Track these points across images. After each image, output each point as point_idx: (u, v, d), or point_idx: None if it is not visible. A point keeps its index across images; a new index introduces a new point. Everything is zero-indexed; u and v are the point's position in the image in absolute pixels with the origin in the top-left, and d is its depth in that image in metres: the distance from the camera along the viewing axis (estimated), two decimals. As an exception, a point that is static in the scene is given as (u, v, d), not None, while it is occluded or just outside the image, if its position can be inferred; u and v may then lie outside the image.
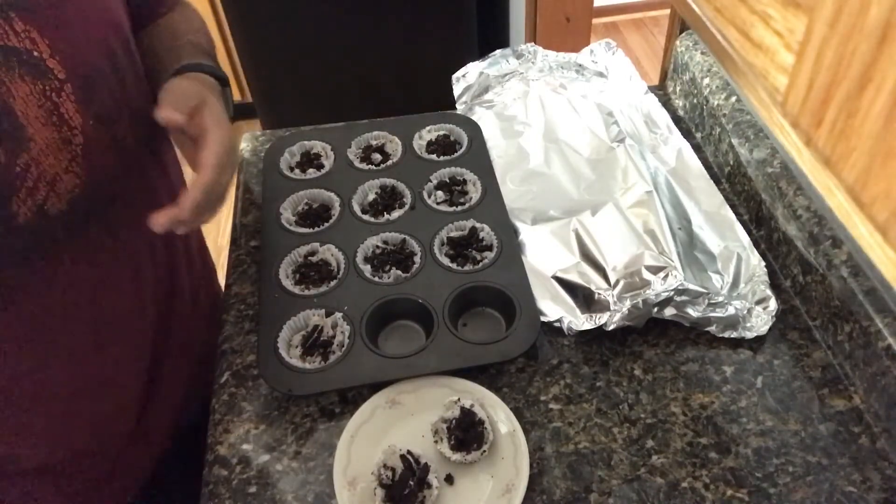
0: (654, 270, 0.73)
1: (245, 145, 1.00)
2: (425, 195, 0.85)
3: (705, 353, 0.72)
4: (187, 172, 0.67)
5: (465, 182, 0.88)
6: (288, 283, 0.75)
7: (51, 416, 0.64)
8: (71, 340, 0.62)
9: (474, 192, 0.86)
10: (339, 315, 0.72)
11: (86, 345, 0.63)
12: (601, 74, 1.03)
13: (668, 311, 0.72)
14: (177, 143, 0.65)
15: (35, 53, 0.51)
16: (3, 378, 0.58)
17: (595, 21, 2.68)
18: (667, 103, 1.03)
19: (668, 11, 1.28)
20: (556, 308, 0.74)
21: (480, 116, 0.98)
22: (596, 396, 0.69)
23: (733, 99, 0.91)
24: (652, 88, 1.02)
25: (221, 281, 0.87)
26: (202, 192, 0.58)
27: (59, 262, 0.57)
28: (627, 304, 0.71)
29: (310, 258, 0.79)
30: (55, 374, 0.61)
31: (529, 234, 0.81)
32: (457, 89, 1.02)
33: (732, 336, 0.72)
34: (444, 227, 0.81)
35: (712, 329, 0.73)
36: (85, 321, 0.62)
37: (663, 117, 0.96)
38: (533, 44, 1.06)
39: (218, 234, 2.22)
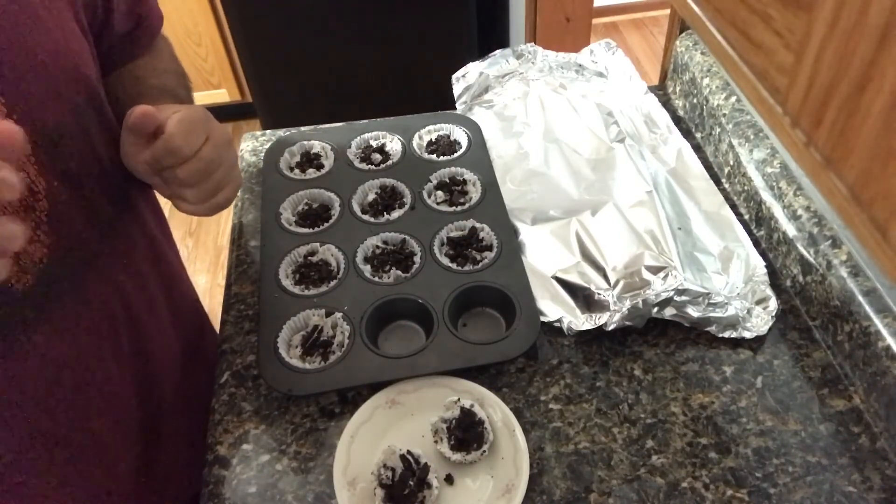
0: (654, 270, 0.73)
1: (245, 145, 1.00)
2: (425, 195, 0.85)
3: (705, 353, 0.72)
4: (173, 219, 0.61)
5: (464, 182, 0.88)
6: (288, 283, 0.75)
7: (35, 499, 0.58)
8: (50, 421, 0.57)
9: (474, 192, 0.86)
10: (339, 315, 0.72)
11: (65, 423, 0.58)
12: (601, 74, 1.03)
13: (668, 311, 0.72)
14: (155, 187, 0.61)
15: None
16: None
17: (595, 21, 2.67)
18: (667, 103, 1.03)
19: (668, 11, 1.28)
20: (556, 308, 0.74)
21: (480, 116, 0.98)
22: (596, 396, 0.69)
23: (733, 99, 0.91)
24: (652, 88, 1.02)
25: (221, 283, 0.86)
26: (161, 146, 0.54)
27: (28, 342, 0.52)
28: (627, 304, 0.71)
29: (310, 258, 0.79)
30: (35, 454, 0.56)
31: (529, 234, 0.81)
32: (457, 89, 1.02)
33: (732, 336, 0.72)
34: (443, 227, 0.81)
35: (712, 329, 0.73)
36: (62, 399, 0.57)
37: (663, 117, 0.96)
38: (533, 44, 1.06)
39: (218, 234, 2.22)
